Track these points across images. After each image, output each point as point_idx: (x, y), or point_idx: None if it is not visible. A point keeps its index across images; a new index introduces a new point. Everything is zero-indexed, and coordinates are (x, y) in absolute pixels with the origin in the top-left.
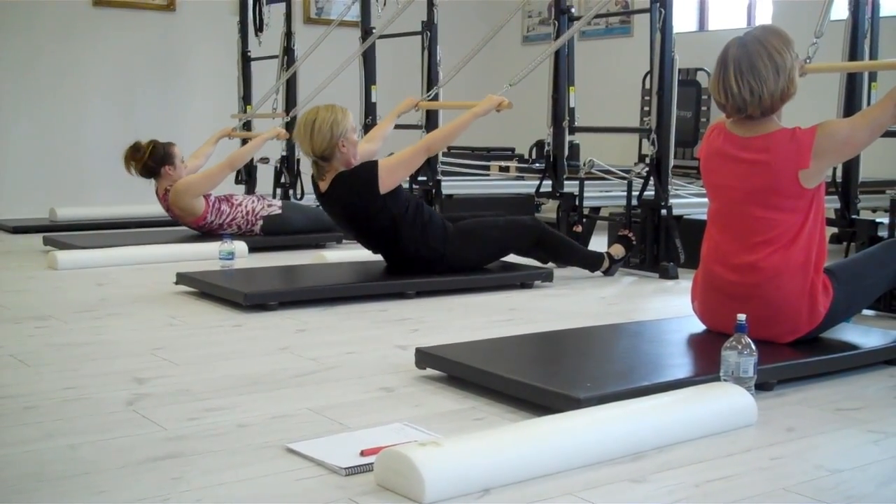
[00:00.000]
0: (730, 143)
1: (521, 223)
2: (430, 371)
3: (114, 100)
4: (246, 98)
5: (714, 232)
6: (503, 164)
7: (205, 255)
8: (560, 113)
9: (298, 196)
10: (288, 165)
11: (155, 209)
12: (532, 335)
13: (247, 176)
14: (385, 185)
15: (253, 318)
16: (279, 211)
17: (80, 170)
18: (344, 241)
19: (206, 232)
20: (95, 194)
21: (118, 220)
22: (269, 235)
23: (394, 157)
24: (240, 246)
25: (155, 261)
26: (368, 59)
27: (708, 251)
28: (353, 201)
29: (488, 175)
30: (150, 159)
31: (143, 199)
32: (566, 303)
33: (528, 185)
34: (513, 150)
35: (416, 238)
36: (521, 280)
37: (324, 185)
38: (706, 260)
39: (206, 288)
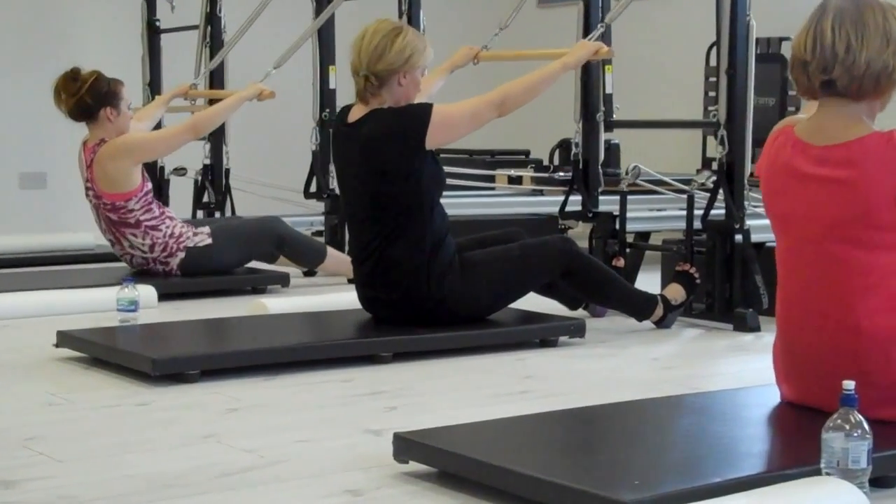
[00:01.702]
0: (800, 155)
1: (546, 248)
2: (413, 466)
3: None
4: (153, 84)
5: (786, 281)
6: (514, 172)
7: (97, 306)
8: (592, 102)
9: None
10: (213, 178)
11: (26, 244)
12: (557, 413)
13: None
14: (435, 136)
15: (165, 394)
16: (209, 241)
17: None
18: (292, 284)
19: (117, 224)
20: None
21: None
22: (187, 276)
23: (455, 104)
24: (146, 292)
25: (25, 314)
26: (325, 31)
27: (781, 309)
28: (385, 148)
29: (493, 189)
30: (90, 94)
31: (15, 226)
32: (604, 367)
33: (548, 203)
34: (527, 153)
35: (417, 264)
36: (541, 335)
37: (355, 114)
38: (780, 320)
39: (100, 352)
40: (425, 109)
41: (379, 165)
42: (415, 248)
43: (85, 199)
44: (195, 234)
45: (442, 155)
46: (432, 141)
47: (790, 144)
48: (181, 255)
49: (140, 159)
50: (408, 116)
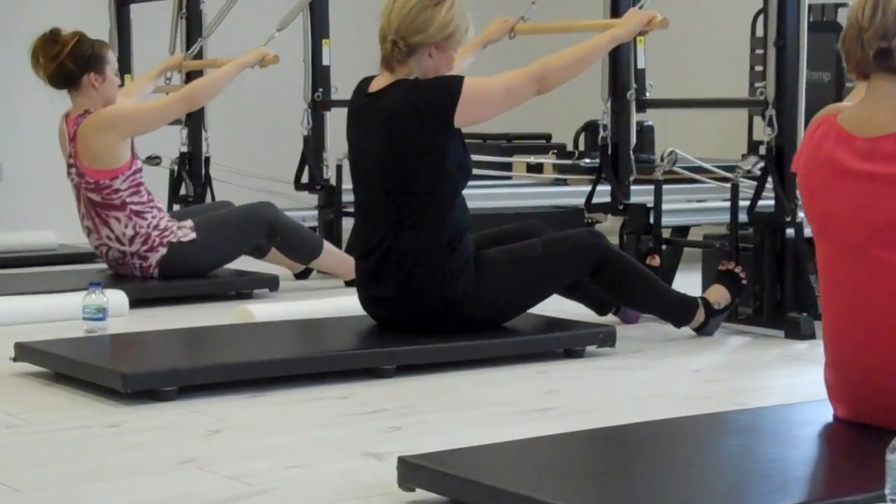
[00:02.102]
0: (844, 148)
1: (572, 243)
2: (420, 494)
3: None
4: (122, 60)
5: (829, 292)
6: (533, 159)
7: (60, 314)
8: (622, 78)
9: None
10: (191, 167)
11: None
12: (583, 433)
13: None
14: (465, 113)
15: (138, 414)
16: (193, 235)
17: None
18: (282, 287)
19: (100, 206)
20: None
21: None
22: (165, 278)
23: (489, 78)
24: (116, 297)
25: None
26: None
27: (825, 321)
28: (407, 122)
29: (510, 178)
30: (71, 58)
31: None
32: (637, 380)
33: (572, 194)
34: (548, 137)
35: (430, 259)
36: (566, 344)
37: (377, 84)
38: (825, 333)
39: (63, 366)
40: (456, 82)
41: (398, 140)
42: (429, 241)
43: (46, 193)
44: (178, 229)
45: None
46: (462, 118)
47: (832, 135)
48: (162, 251)
49: (128, 133)
50: (435, 88)
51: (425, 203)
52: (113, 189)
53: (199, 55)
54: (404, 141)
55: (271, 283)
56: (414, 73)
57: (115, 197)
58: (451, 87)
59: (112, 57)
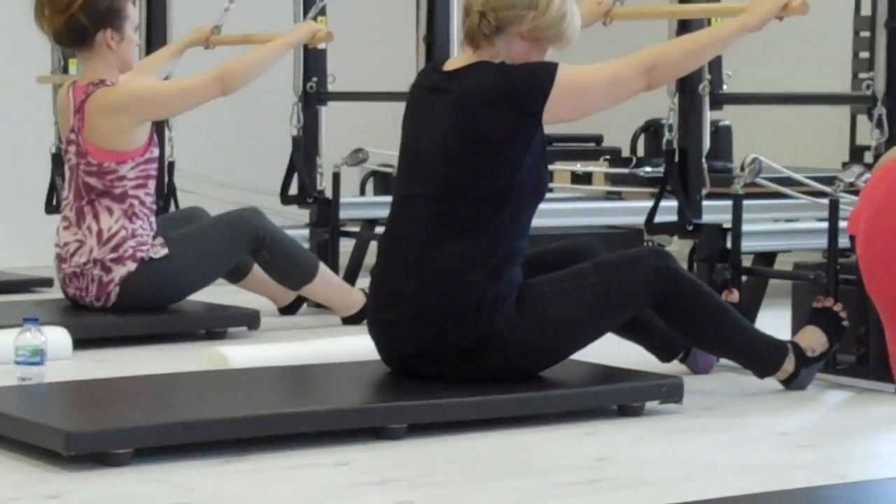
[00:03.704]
0: None
1: (634, 266)
2: None
3: None
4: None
5: None
6: (580, 167)
7: None
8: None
9: None
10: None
11: None
12: None
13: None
14: (557, 106)
15: (85, 482)
16: (165, 251)
17: None
18: (263, 325)
19: (97, 194)
20: None
21: None
22: (122, 306)
23: (588, 66)
24: (56, 336)
25: None
26: None
27: None
28: (485, 107)
29: (550, 190)
30: (85, 10)
31: None
32: (710, 446)
33: (629, 210)
34: (598, 140)
35: (472, 277)
36: (621, 399)
37: (456, 62)
38: None
39: None
40: (549, 68)
41: (469, 126)
42: (477, 256)
43: None
44: (151, 246)
45: None
46: (552, 112)
47: None
48: (130, 266)
49: (144, 117)
50: (524, 74)
51: (482, 210)
52: (118, 176)
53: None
54: (477, 133)
55: (251, 319)
56: (500, 55)
57: (119, 185)
58: (543, 75)
59: (133, 12)
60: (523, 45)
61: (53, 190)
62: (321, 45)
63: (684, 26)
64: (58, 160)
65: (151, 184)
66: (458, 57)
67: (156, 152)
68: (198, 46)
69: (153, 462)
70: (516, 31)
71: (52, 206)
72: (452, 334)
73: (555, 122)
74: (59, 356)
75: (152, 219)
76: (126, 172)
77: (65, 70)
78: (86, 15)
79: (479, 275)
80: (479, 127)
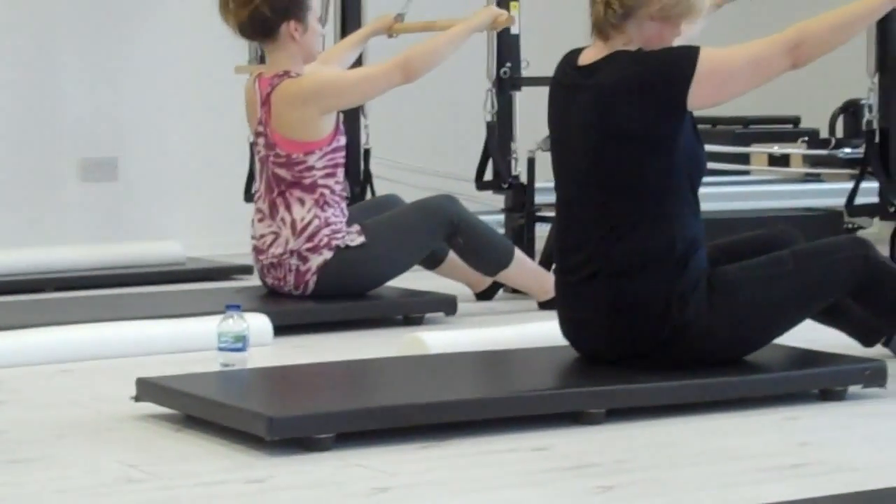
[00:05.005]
0: None
1: (832, 255)
2: None
3: (14, 69)
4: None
5: None
6: (777, 149)
7: (190, 343)
8: (893, 46)
9: None
10: (347, 162)
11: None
12: (846, 497)
13: None
14: (702, 92)
15: (286, 468)
16: (362, 239)
17: None
18: (460, 311)
19: (288, 185)
20: None
21: (23, 278)
22: (321, 293)
23: (730, 48)
24: (258, 322)
25: (93, 354)
26: None
27: None
28: (628, 103)
29: (747, 173)
30: (268, 3)
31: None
32: None
33: (828, 192)
34: (796, 121)
35: (654, 274)
36: (823, 383)
37: (589, 56)
38: None
39: (195, 408)
40: (690, 54)
41: (615, 126)
42: (655, 251)
43: (171, 197)
44: (347, 233)
45: None
46: (697, 99)
47: None
48: (327, 254)
49: (328, 108)
50: (664, 62)
51: (647, 205)
52: (307, 166)
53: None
54: (623, 127)
55: (448, 304)
56: (633, 41)
57: (308, 175)
58: (684, 61)
59: (315, 2)
60: (655, 26)
61: (252, 178)
62: (513, 30)
63: None
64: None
65: (340, 172)
66: (591, 49)
67: (342, 141)
68: (381, 35)
69: (353, 447)
70: (645, 13)
71: (250, 195)
72: (644, 331)
73: (700, 108)
74: (261, 342)
75: (343, 205)
76: (314, 162)
77: (261, 60)
78: (269, 7)
79: (664, 267)
80: (623, 122)
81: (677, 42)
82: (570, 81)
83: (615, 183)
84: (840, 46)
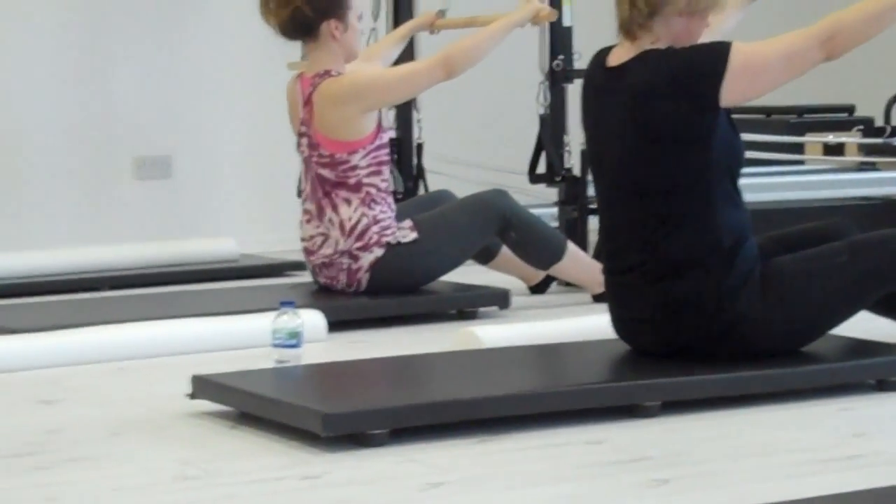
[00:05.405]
0: None
1: (886, 247)
2: None
3: (68, 67)
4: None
5: None
6: (832, 138)
7: (244, 340)
8: None
9: None
10: (400, 157)
11: (147, 255)
12: None
13: None
14: (734, 88)
15: (342, 463)
16: (414, 235)
17: (9, 187)
18: (514, 304)
19: (332, 185)
20: (36, 231)
21: (78, 276)
22: (375, 289)
23: (762, 42)
24: (312, 319)
25: (148, 352)
26: None
27: None
28: (660, 103)
29: (802, 163)
30: (308, 3)
31: (129, 229)
32: None
33: (884, 181)
34: (851, 109)
35: (702, 270)
36: (879, 374)
37: (618, 56)
38: None
39: (249, 404)
40: (721, 50)
41: (650, 127)
42: (700, 247)
43: (224, 194)
44: (398, 229)
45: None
46: (730, 95)
47: None
48: (378, 252)
49: (369, 106)
50: (695, 60)
51: (688, 202)
52: (350, 165)
53: None
54: (657, 127)
55: (501, 298)
56: (661, 39)
57: (352, 175)
58: (715, 58)
59: (355, 1)
60: (682, 22)
61: None
62: (566, 22)
63: None
64: None
65: (385, 170)
66: (619, 49)
67: (385, 138)
68: (423, 31)
69: (408, 442)
70: (672, 10)
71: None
72: (698, 328)
73: (733, 103)
74: (315, 338)
75: (390, 200)
76: (358, 162)
77: None
78: (309, 6)
79: (712, 262)
80: (657, 122)
81: (706, 35)
82: (600, 83)
83: (654, 184)
84: (875, 37)
